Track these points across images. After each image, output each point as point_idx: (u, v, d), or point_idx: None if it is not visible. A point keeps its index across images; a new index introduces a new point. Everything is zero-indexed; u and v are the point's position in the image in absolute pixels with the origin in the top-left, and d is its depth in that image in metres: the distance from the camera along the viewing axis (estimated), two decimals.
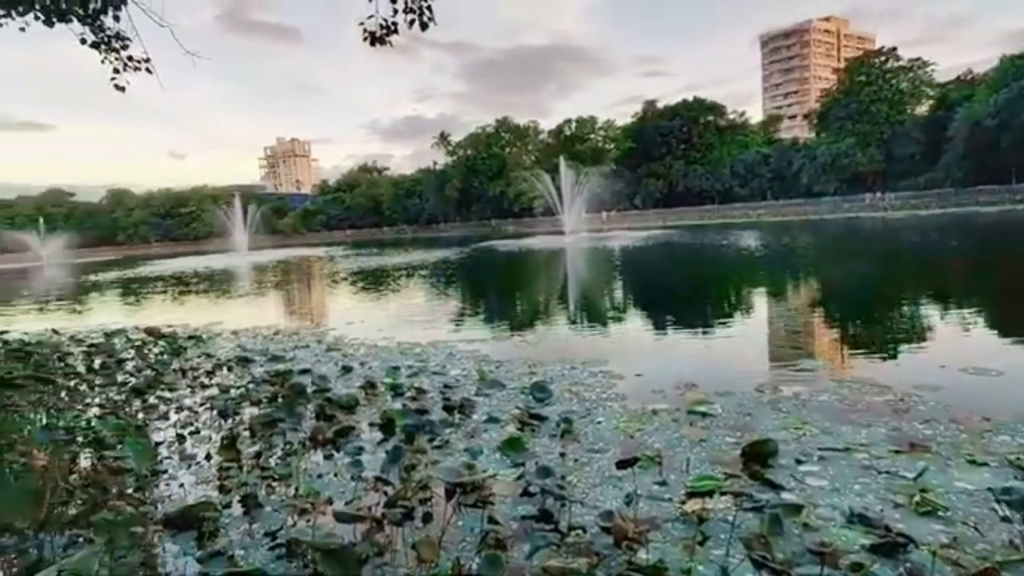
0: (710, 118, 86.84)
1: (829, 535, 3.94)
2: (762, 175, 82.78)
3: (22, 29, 8.93)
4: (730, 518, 4.13)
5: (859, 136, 74.51)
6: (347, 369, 9.59)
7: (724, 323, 12.32)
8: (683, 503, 4.44)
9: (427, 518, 4.54)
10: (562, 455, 5.60)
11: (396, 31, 8.54)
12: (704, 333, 11.23)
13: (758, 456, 5.12)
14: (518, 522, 4.32)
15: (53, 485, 4.55)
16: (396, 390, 8.08)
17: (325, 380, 8.64)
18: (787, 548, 3.75)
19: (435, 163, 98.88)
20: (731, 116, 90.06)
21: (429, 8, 8.47)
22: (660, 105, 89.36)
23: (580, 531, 4.04)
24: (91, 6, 8.96)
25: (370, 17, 8.45)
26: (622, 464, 4.50)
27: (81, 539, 4.29)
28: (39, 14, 8.56)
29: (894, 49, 76.76)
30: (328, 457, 5.98)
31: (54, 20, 8.66)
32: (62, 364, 10.42)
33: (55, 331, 15.23)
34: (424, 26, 8.50)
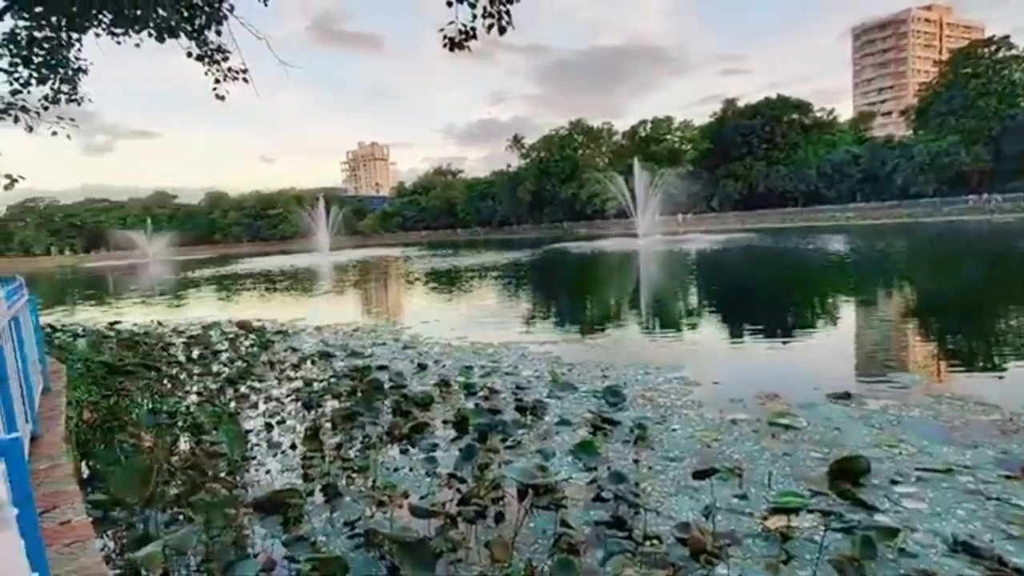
0: (795, 116, 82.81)
1: (929, 563, 3.64)
2: (851, 175, 78.06)
3: (137, 45, 9.75)
4: (817, 538, 3.90)
5: (963, 133, 68.76)
6: (422, 367, 9.82)
7: (808, 331, 11.70)
8: (765, 519, 4.24)
9: (499, 518, 4.57)
10: (636, 461, 5.49)
11: (475, 36, 8.67)
12: (786, 341, 10.71)
13: (847, 474, 4.81)
14: (591, 527, 4.27)
15: (158, 465, 4.90)
16: (469, 389, 8.19)
17: (401, 377, 8.88)
18: (881, 574, 3.51)
19: (508, 166, 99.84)
20: (818, 114, 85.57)
21: (508, 12, 8.54)
22: (741, 104, 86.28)
23: (655, 541, 3.95)
24: (197, 22, 9.64)
25: (450, 23, 8.62)
26: (699, 474, 4.36)
27: (181, 517, 4.60)
28: (152, 31, 9.31)
29: (1006, 37, 70.35)
30: (404, 452, 6.14)
31: (165, 36, 9.39)
32: (165, 353, 11.27)
33: (159, 323, 16.52)
34: (502, 30, 8.58)
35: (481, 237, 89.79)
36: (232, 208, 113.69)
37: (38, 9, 8.94)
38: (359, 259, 49.93)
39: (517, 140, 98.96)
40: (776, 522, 4.11)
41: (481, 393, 8.01)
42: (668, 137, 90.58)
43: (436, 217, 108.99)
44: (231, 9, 9.78)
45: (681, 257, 32.09)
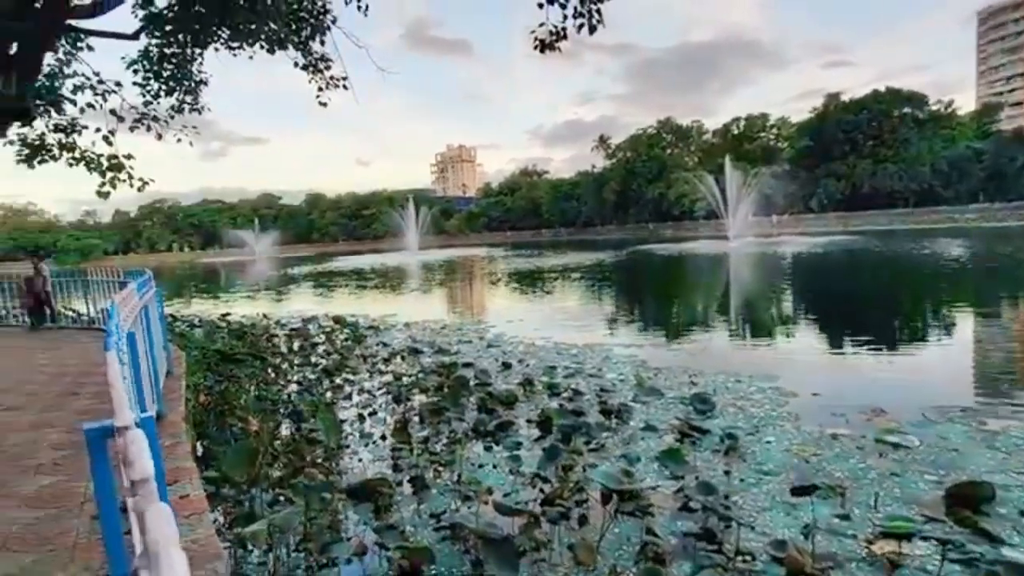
0: (907, 110, 76.26)
1: None
2: (973, 173, 70.90)
3: (250, 57, 10.51)
4: (931, 567, 3.57)
5: None
6: (506, 365, 9.91)
7: (921, 343, 10.74)
8: (871, 543, 3.93)
9: (583, 520, 4.52)
10: (727, 473, 5.26)
11: (565, 36, 8.65)
12: (895, 354, 9.88)
13: (968, 500, 4.36)
14: (678, 538, 4.13)
15: (263, 448, 5.25)
16: (553, 389, 8.18)
17: (486, 375, 9.00)
18: None
19: (593, 166, 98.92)
20: (934, 107, 78.48)
21: (599, 11, 8.46)
22: (844, 98, 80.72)
23: (748, 557, 3.76)
24: (303, 34, 10.26)
25: (541, 25, 8.65)
26: (798, 490, 4.11)
27: (282, 498, 4.89)
28: (264, 44, 9.99)
29: None
30: (488, 449, 6.22)
31: (275, 48, 10.06)
32: (269, 344, 12.06)
33: (264, 315, 17.69)
34: (593, 29, 8.50)
35: (564, 238, 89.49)
36: (329, 209, 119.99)
37: (168, 28, 9.83)
38: (445, 259, 51.22)
39: (603, 140, 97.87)
40: (883, 547, 3.81)
41: (565, 394, 7.97)
42: (763, 135, 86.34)
43: (520, 218, 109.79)
44: (334, 20, 10.33)
45: (776, 260, 30.47)
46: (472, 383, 8.50)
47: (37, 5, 7.61)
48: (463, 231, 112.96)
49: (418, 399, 8.10)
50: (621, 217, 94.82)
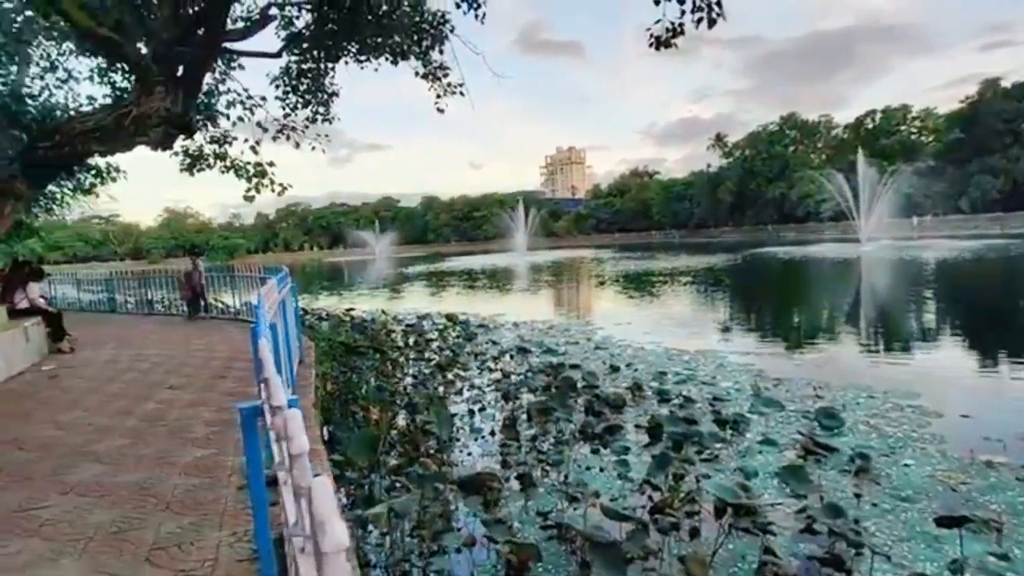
0: None
1: None
2: None
3: (376, 69, 11.17)
4: None
5: None
6: (614, 368, 9.77)
7: None
8: None
9: (694, 533, 4.35)
10: (857, 496, 4.83)
11: (683, 32, 8.36)
12: None
13: None
14: (800, 560, 3.85)
15: (383, 436, 5.56)
16: (663, 395, 7.95)
17: (594, 377, 8.93)
18: None
19: (708, 166, 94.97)
20: None
21: (719, 3, 8.10)
22: (1006, 84, 71.13)
23: None
24: (424, 44, 10.74)
25: (657, 22, 8.42)
26: (944, 521, 3.68)
27: (398, 484, 5.15)
28: (388, 56, 10.59)
29: None
30: (595, 452, 6.16)
31: (398, 59, 10.62)
32: (388, 339, 12.74)
33: (383, 312, 18.72)
34: (712, 23, 8.13)
35: (676, 240, 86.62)
36: (443, 211, 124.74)
37: (305, 45, 10.71)
38: (553, 260, 51.42)
39: (720, 138, 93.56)
40: None
41: (676, 400, 7.73)
42: (902, 128, 78.28)
43: (630, 219, 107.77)
44: (452, 30, 10.72)
45: (916, 266, 27.52)
46: (579, 384, 8.47)
47: (200, 32, 8.57)
48: (571, 233, 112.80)
49: (526, 398, 8.20)
50: (737, 219, 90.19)
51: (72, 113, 9.34)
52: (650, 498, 4.77)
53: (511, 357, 11.04)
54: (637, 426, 6.81)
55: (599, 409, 7.29)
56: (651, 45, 8.45)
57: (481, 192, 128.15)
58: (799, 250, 44.34)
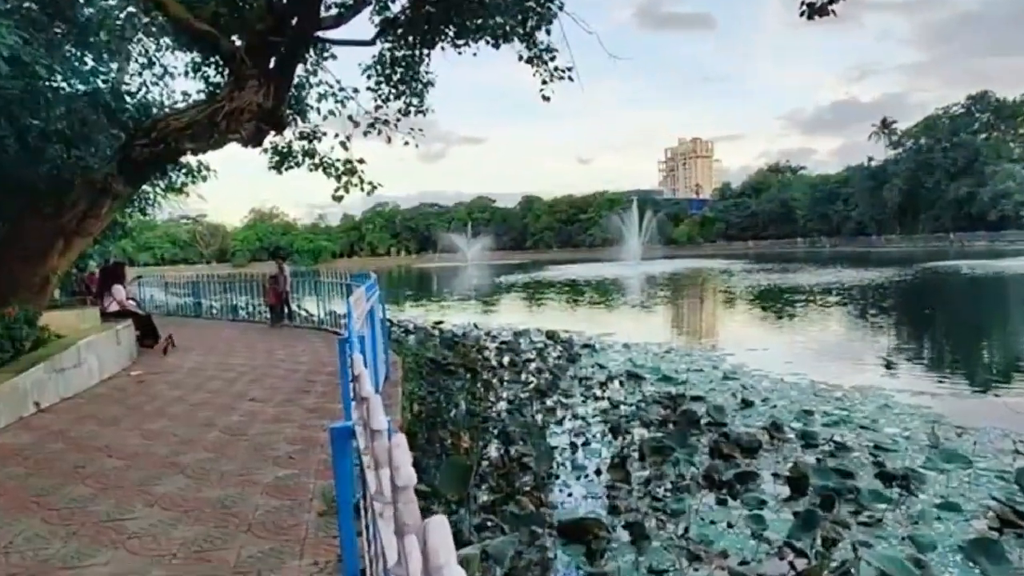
0: None
1: None
2: None
3: (474, 54, 11.51)
4: None
5: None
6: (747, 403, 9.39)
7: None
8: None
9: None
10: None
11: None
12: None
13: None
14: None
15: (473, 467, 5.66)
16: (808, 439, 7.52)
17: (721, 412, 8.61)
18: None
19: (870, 159, 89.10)
20: None
21: None
22: None
23: None
24: (529, 24, 10.94)
25: None
26: None
27: (490, 524, 5.21)
28: (489, 38, 10.88)
29: None
30: (722, 502, 5.91)
31: (500, 42, 10.88)
32: (480, 357, 13.01)
33: (475, 326, 19.16)
34: None
35: (826, 250, 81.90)
36: (544, 212, 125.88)
37: (400, 31, 11.26)
38: (673, 271, 50.27)
39: (886, 125, 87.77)
40: None
41: (825, 446, 7.28)
42: None
43: (767, 224, 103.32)
44: (561, 7, 10.83)
45: None
46: (703, 421, 8.22)
47: (293, 21, 9.26)
48: (694, 239, 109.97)
49: (638, 432, 8.06)
50: (907, 224, 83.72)
51: (167, 110, 10.42)
52: (792, 565, 4.51)
53: (621, 384, 10.90)
54: (775, 475, 6.47)
55: (728, 451, 7.01)
56: (802, 14, 8.11)
57: (589, 191, 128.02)
58: (993, 264, 40.33)
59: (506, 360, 13.05)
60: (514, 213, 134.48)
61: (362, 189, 10.94)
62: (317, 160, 11.65)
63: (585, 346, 15.05)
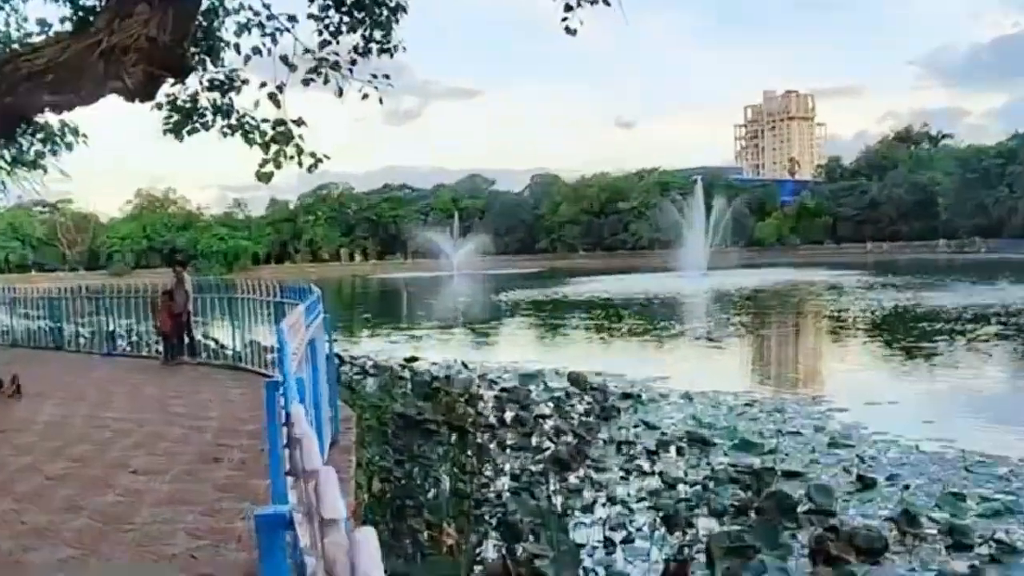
0: None
1: None
2: None
3: None
4: None
5: None
6: (864, 482, 9.41)
7: None
8: None
9: None
10: None
11: None
12: None
13: None
14: None
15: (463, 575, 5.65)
16: (958, 537, 7.50)
17: (828, 496, 8.61)
18: None
19: None
20: None
21: None
22: None
23: None
24: None
25: None
26: None
27: None
28: None
29: None
30: None
31: None
32: (471, 411, 13.01)
33: (464, 365, 19.16)
34: None
35: (981, 254, 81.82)
36: (566, 199, 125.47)
37: None
38: (755, 287, 50.16)
39: None
40: None
41: (983, 547, 7.26)
42: None
43: (895, 218, 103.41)
44: None
45: None
46: (801, 508, 8.21)
47: None
48: (787, 239, 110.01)
49: (704, 524, 8.06)
50: None
51: (16, 47, 10.49)
52: None
53: (679, 452, 10.90)
54: None
55: (838, 553, 7.00)
56: None
57: (631, 168, 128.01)
58: None
59: (509, 416, 13.04)
60: (521, 201, 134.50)
61: (300, 163, 10.94)
62: (234, 120, 11.69)
63: (626, 396, 15.05)
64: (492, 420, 12.63)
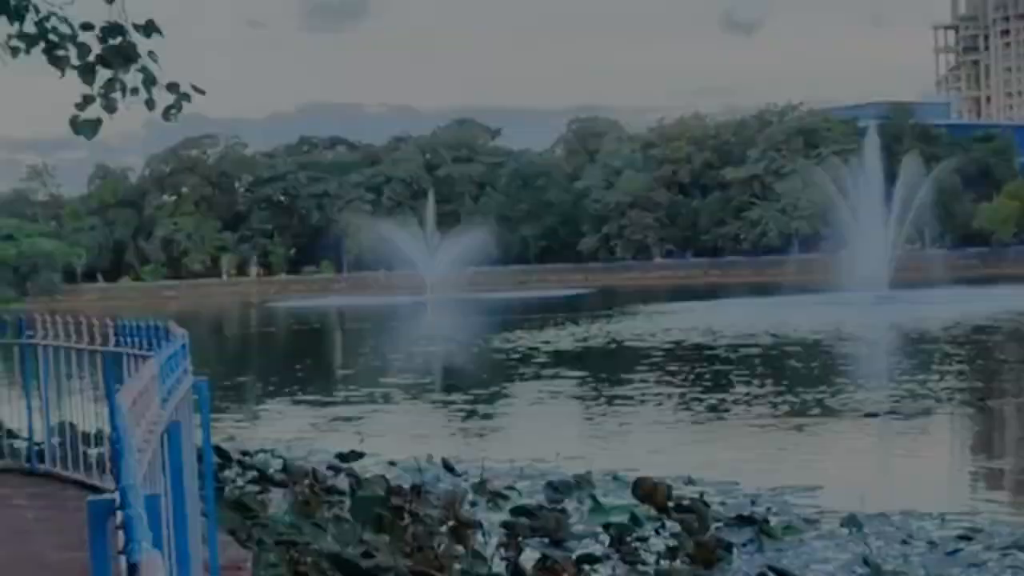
0: None
1: None
2: None
3: None
4: None
5: None
6: None
7: None
8: None
9: None
10: None
11: None
12: None
13: None
14: None
15: None
16: None
17: None
18: None
19: None
20: None
21: None
22: None
23: None
24: None
25: None
26: None
27: None
28: None
29: None
30: None
31: None
32: (462, 549, 12.95)
33: (447, 465, 19.11)
34: None
35: None
36: (630, 162, 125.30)
37: None
38: (983, 320, 49.69)
39: None
40: None
41: None
42: None
43: None
44: None
45: None
46: None
47: None
48: None
49: None
50: None
51: None
52: None
53: None
54: None
55: None
56: None
57: (750, 106, 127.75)
58: None
59: (530, 560, 12.98)
60: (550, 166, 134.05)
61: (151, 104, 10.94)
62: (31, 25, 11.69)
63: (741, 520, 15.01)
64: (496, 568, 12.60)
